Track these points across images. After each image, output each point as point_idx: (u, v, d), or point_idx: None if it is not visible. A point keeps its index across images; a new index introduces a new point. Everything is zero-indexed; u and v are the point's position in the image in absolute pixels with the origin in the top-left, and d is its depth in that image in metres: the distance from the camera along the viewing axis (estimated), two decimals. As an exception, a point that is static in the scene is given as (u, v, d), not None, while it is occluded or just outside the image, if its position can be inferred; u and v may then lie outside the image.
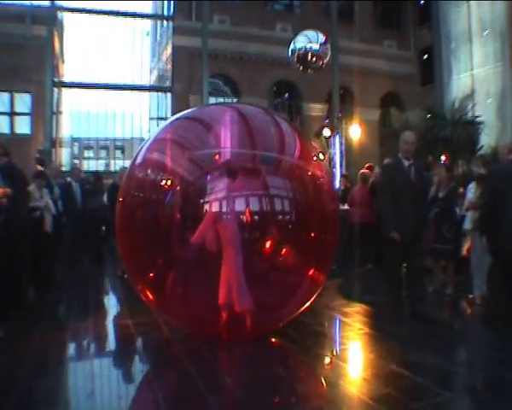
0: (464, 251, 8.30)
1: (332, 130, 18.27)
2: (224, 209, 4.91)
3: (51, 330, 6.31)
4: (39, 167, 21.31)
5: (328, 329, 6.69)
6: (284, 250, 5.21)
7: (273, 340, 5.76)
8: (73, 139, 31.62)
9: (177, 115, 6.01)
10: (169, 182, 5.13)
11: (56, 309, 7.91)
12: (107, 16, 27.85)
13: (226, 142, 5.28)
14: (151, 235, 5.21)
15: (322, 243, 5.52)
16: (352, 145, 20.59)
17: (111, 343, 6.22)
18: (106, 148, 37.51)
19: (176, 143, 5.53)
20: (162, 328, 6.12)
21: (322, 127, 18.82)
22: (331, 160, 18.31)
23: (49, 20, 24.01)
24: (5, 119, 24.73)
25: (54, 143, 24.90)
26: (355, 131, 19.59)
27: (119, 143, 35.56)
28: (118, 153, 37.06)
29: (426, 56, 31.90)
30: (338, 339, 6.33)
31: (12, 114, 24.76)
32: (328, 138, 18.40)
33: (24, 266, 7.28)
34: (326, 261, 5.77)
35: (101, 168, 33.96)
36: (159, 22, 31.82)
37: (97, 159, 36.98)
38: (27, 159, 21.97)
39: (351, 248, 10.68)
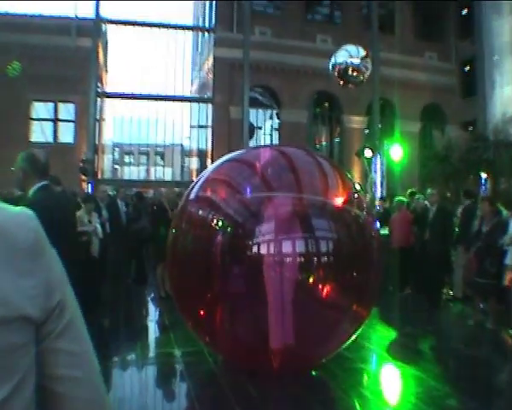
0: (507, 281, 8.27)
1: (373, 151, 18.27)
2: (271, 251, 5.08)
3: (99, 358, 6.46)
4: (83, 177, 21.90)
5: (369, 366, 6.73)
6: (328, 289, 5.37)
7: (315, 375, 5.89)
8: (115, 145, 32.17)
9: (228, 156, 6.25)
10: (220, 222, 5.34)
11: (103, 335, 8.08)
12: (149, 28, 28.20)
13: (273, 185, 5.50)
14: (201, 271, 5.43)
15: (365, 281, 5.65)
16: (392, 164, 20.56)
17: (157, 375, 6.36)
18: (146, 154, 38.05)
19: (227, 185, 5.80)
20: (207, 359, 6.27)
21: (364, 147, 18.81)
22: (372, 182, 18.34)
23: (94, 31, 24.40)
24: (49, 128, 25.36)
25: (96, 150, 25.31)
26: (396, 152, 19.51)
27: (159, 150, 35.98)
28: (157, 159, 37.51)
29: (467, 68, 31.58)
30: (379, 378, 6.38)
31: (55, 121, 25.40)
32: (369, 159, 18.41)
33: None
34: (369, 299, 5.88)
35: (141, 175, 34.55)
36: (200, 33, 32.13)
37: (138, 165, 37.58)
38: (71, 167, 22.62)
39: (391, 273, 10.68)
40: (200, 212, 5.71)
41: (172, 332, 7.59)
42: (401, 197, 11.94)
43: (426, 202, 11.13)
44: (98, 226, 9.18)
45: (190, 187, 6.05)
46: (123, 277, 11.68)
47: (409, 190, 13.09)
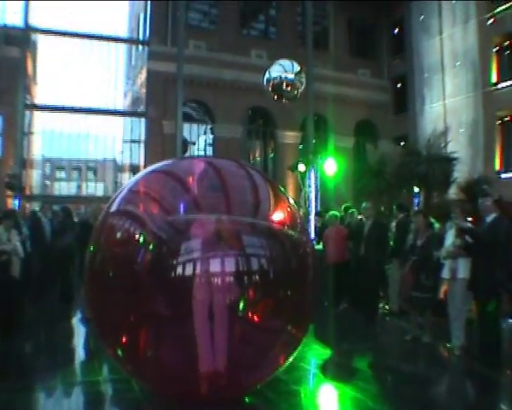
0: (441, 294, 8.17)
1: (306, 165, 18.15)
2: (198, 271, 4.72)
3: (17, 390, 5.95)
4: (9, 192, 21.05)
5: (304, 388, 6.35)
6: (260, 310, 5.02)
7: (247, 401, 5.54)
8: (45, 159, 31.30)
9: (152, 167, 5.84)
10: (141, 239, 4.91)
11: (23, 362, 7.49)
12: (81, 39, 27.58)
13: (201, 200, 5.11)
14: (121, 292, 4.95)
15: (301, 301, 5.35)
16: (326, 179, 20.60)
17: (80, 406, 5.87)
18: (78, 169, 37.22)
19: (151, 199, 5.31)
20: (133, 387, 5.81)
21: (297, 162, 18.71)
22: (306, 197, 18.20)
23: (23, 41, 23.69)
24: None
25: (24, 164, 24.49)
26: (330, 167, 19.48)
27: (91, 165, 35.30)
28: (90, 174, 36.78)
29: (399, 85, 32.32)
30: (315, 400, 6.04)
31: None
32: (302, 174, 18.29)
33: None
34: (304, 319, 5.59)
35: (72, 191, 33.70)
36: (134, 46, 31.66)
37: (69, 180, 36.67)
38: (-4, 182, 21.74)
39: (326, 288, 10.48)
40: (121, 227, 5.18)
41: (97, 358, 7.10)
42: (334, 212, 11.82)
43: (360, 217, 11.05)
44: (18, 244, 8.60)
45: (111, 199, 5.59)
46: (47, 296, 11.06)
47: (343, 205, 13.03)
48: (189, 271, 4.67)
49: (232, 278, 4.76)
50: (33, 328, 9.35)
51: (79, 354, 8.14)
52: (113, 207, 5.38)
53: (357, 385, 6.18)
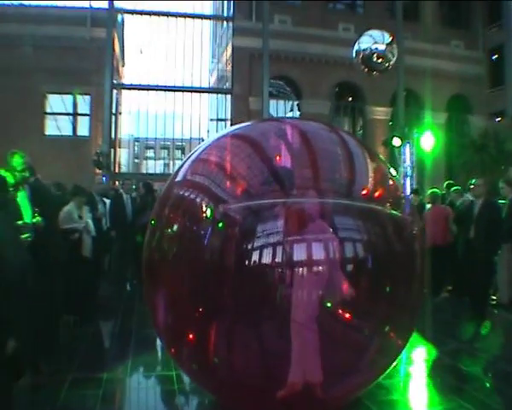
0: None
1: (402, 139, 16.97)
2: (279, 258, 3.85)
3: (81, 382, 5.42)
4: (97, 171, 21.29)
5: (409, 397, 5.37)
6: (354, 306, 4.10)
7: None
8: (133, 139, 31.78)
9: (226, 131, 5.04)
10: (209, 213, 4.08)
11: (93, 349, 7.01)
12: (166, 18, 27.55)
13: (284, 171, 4.22)
14: (187, 279, 4.15)
15: (406, 295, 4.38)
16: (422, 155, 19.27)
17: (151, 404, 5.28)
18: (166, 148, 37.72)
19: (222, 169, 4.44)
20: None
21: (392, 136, 17.49)
22: (403, 174, 17.06)
23: (109, 22, 24.11)
24: (64, 121, 25.03)
25: (113, 144, 24.84)
26: (427, 141, 18.07)
27: (179, 144, 35.63)
28: (178, 153, 37.15)
29: (495, 57, 30.38)
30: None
31: (75, 115, 25.18)
32: (398, 149, 17.10)
33: (57, 301, 6.45)
34: (407, 319, 4.59)
35: (160, 169, 34.12)
36: (218, 23, 31.32)
37: (157, 159, 37.24)
38: (86, 161, 22.04)
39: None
40: (185, 203, 4.37)
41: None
42: (435, 189, 10.72)
43: (468, 196, 9.92)
44: (90, 222, 8.12)
45: (179, 166, 4.79)
46: (126, 277, 10.69)
47: (446, 182, 11.90)
48: (267, 258, 3.78)
49: (320, 268, 3.88)
50: (110, 309, 8.94)
51: (156, 343, 7.36)
52: (178, 178, 4.60)
53: (474, 397, 5.12)
